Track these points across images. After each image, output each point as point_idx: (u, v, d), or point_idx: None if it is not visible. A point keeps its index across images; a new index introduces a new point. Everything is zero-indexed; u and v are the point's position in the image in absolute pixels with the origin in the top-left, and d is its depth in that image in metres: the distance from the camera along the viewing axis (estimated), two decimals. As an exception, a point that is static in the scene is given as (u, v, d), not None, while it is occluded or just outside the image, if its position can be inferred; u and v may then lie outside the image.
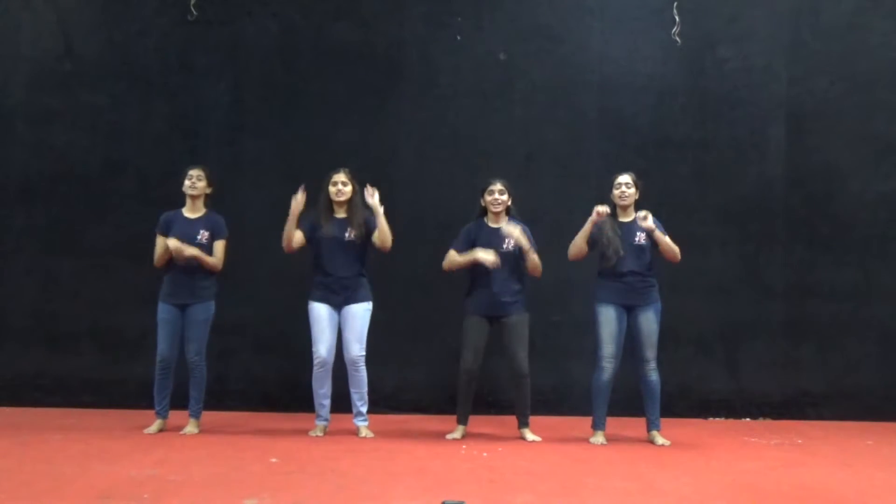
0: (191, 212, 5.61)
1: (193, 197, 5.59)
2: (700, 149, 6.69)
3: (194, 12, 6.60)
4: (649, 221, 5.35)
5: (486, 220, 5.60)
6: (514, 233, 5.43)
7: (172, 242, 5.43)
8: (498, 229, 5.52)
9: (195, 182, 5.56)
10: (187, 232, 5.51)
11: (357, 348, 5.49)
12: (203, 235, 5.53)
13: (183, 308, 5.54)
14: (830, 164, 6.69)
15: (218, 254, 5.55)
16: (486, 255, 5.39)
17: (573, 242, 5.49)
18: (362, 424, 5.57)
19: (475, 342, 5.50)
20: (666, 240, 5.40)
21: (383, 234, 5.45)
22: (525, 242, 5.42)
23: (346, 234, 5.47)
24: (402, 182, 6.62)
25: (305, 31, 6.69)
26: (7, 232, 6.63)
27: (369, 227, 5.49)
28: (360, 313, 5.52)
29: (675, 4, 6.62)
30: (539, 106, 6.69)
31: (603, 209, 5.37)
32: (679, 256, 5.46)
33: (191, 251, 5.45)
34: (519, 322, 5.50)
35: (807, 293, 6.63)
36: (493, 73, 6.70)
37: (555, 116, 6.68)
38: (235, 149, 6.63)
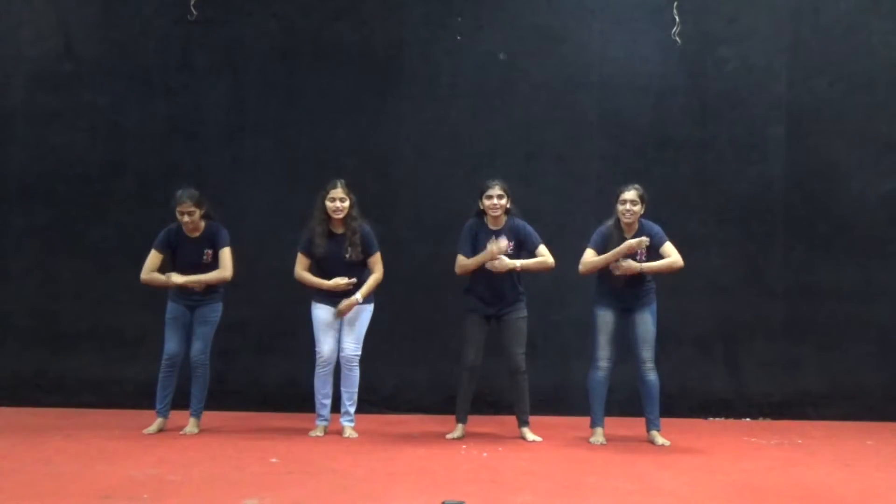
0: (192, 230, 5.56)
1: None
2: (700, 149, 6.69)
3: (194, 12, 6.59)
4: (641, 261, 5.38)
5: (485, 220, 5.58)
6: (503, 255, 5.41)
7: (176, 278, 5.43)
8: (497, 231, 5.52)
9: (187, 221, 5.45)
10: (193, 255, 5.51)
11: (354, 347, 5.51)
12: (207, 255, 5.53)
13: (192, 308, 5.56)
14: (830, 164, 6.69)
15: (224, 263, 5.51)
16: (496, 246, 5.36)
17: (592, 263, 5.41)
18: (348, 425, 5.56)
19: (476, 340, 5.50)
20: (659, 265, 5.38)
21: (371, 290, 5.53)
22: (511, 264, 5.40)
23: (347, 255, 5.45)
24: (402, 182, 6.62)
25: (305, 31, 6.69)
26: (7, 232, 6.63)
27: (367, 245, 5.48)
28: (361, 314, 5.53)
29: (675, 4, 6.61)
30: (539, 106, 6.69)
31: (627, 260, 5.34)
32: (676, 266, 5.40)
33: (196, 280, 5.45)
34: (517, 319, 5.51)
35: (807, 293, 6.63)
36: (493, 73, 6.70)
37: (555, 116, 6.68)
38: (235, 149, 6.63)
